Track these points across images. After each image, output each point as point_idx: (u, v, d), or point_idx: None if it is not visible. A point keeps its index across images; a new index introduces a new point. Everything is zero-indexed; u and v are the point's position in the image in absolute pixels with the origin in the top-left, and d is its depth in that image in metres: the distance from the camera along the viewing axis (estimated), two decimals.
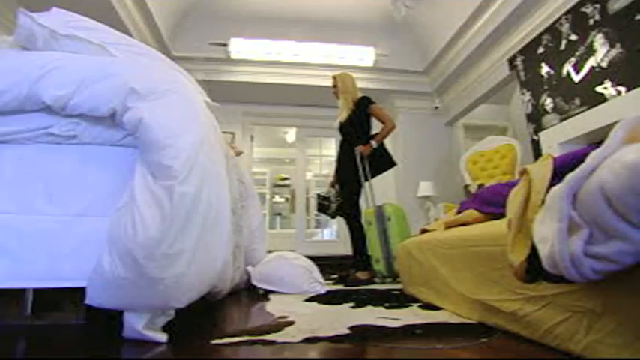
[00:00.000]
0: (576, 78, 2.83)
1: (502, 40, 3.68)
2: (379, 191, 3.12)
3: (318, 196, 3.15)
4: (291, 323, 1.12)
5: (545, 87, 3.15)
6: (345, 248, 2.80)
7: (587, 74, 2.73)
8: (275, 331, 1.01)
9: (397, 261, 1.91)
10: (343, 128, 3.00)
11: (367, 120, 2.95)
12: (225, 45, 4.36)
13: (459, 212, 1.61)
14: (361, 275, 2.62)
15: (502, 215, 1.12)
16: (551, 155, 0.95)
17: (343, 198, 2.89)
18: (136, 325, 0.88)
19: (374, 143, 2.85)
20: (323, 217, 5.57)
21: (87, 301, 0.88)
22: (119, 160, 1.05)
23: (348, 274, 2.72)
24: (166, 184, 0.87)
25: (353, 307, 1.47)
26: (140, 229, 0.83)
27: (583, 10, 2.77)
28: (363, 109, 2.92)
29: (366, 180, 2.89)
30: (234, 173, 1.67)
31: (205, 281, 0.98)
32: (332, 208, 3.00)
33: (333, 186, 3.09)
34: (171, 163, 0.88)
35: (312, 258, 2.25)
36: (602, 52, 2.60)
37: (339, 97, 3.07)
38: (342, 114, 3.00)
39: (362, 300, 1.61)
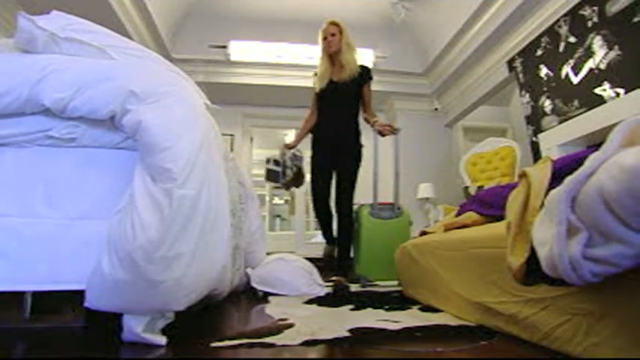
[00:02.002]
0: (575, 80, 2.84)
1: (501, 42, 3.69)
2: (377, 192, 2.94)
3: (268, 160, 2.41)
4: (291, 326, 1.12)
5: (545, 89, 3.15)
6: None
7: (585, 76, 2.74)
8: (275, 334, 1.01)
9: (397, 263, 1.91)
10: (339, 90, 2.35)
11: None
12: (224, 47, 4.37)
13: (458, 214, 1.61)
14: (343, 280, 2.24)
15: (501, 217, 1.12)
16: (550, 158, 0.96)
17: (343, 183, 2.31)
18: (135, 328, 0.87)
19: (394, 125, 2.47)
20: None
21: (86, 304, 0.88)
22: (119, 162, 1.05)
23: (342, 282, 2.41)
24: (166, 187, 0.87)
25: (353, 309, 1.47)
26: (139, 231, 0.83)
27: (582, 12, 2.78)
28: (362, 80, 2.39)
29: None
30: (233, 175, 1.67)
31: (205, 284, 0.98)
32: (287, 174, 2.31)
33: (290, 148, 2.46)
34: (171, 165, 0.88)
35: (311, 260, 2.24)
36: (600, 54, 2.61)
37: (339, 48, 2.36)
38: (340, 73, 2.37)
39: (362, 302, 1.61)
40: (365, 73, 2.41)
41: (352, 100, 2.38)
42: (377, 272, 2.50)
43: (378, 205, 2.59)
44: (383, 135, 2.38)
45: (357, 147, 2.38)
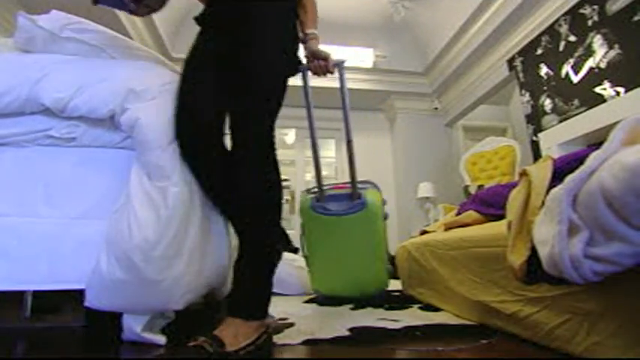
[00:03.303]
0: (575, 79, 2.83)
1: (501, 41, 3.68)
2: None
3: None
4: (291, 325, 1.12)
5: (545, 88, 3.15)
6: None
7: (586, 75, 2.73)
8: (275, 333, 1.01)
9: (397, 262, 1.90)
10: None
11: None
12: None
13: (458, 213, 1.61)
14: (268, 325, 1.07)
15: (502, 216, 1.12)
16: (551, 157, 0.95)
17: (242, 103, 0.96)
18: (135, 327, 0.87)
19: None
20: None
21: (86, 304, 0.88)
22: (118, 162, 1.05)
23: None
24: (161, 185, 0.87)
25: (353, 308, 1.47)
26: (136, 231, 0.83)
27: (582, 11, 2.78)
28: None
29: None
30: None
31: (203, 283, 0.98)
32: None
33: None
34: (166, 163, 0.88)
35: None
36: (600, 53, 2.60)
37: None
38: None
39: (361, 301, 1.61)
40: None
41: None
42: (335, 285, 1.70)
43: (329, 191, 1.57)
44: (316, 74, 1.32)
45: (284, 38, 1.17)
